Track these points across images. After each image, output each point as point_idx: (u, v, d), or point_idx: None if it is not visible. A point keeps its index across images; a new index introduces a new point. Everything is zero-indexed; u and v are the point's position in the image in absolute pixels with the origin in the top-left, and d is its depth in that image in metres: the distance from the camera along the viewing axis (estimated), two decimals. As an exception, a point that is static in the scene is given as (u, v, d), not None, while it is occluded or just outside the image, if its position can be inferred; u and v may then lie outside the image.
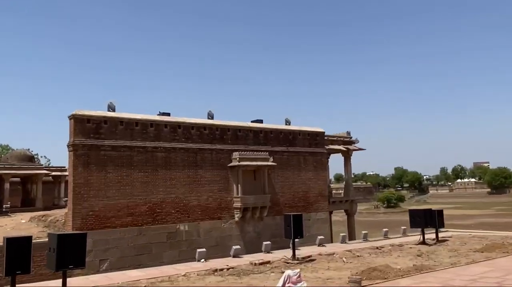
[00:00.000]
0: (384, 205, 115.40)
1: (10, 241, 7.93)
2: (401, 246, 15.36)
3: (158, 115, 24.70)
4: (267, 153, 26.67)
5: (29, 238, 8.22)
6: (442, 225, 17.09)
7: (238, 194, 25.04)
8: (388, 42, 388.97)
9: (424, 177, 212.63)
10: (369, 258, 12.87)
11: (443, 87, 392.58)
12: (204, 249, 14.34)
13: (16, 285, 8.10)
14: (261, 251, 15.83)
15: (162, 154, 23.33)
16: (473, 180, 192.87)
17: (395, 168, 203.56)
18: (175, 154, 23.78)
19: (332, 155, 33.48)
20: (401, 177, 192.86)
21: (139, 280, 10.30)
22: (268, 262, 12.54)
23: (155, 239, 22.44)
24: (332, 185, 34.07)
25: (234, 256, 14.32)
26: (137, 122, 22.85)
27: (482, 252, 13.06)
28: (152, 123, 23.35)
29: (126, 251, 21.27)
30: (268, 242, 16.23)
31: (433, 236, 16.70)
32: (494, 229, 22.24)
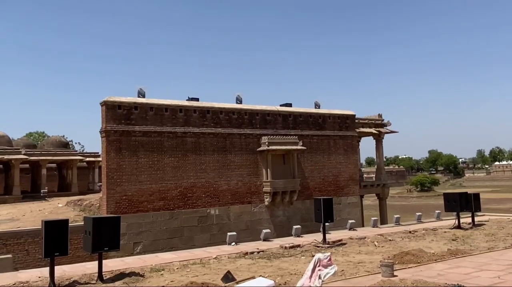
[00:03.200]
0: (418, 189, 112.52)
1: (48, 224, 8.25)
2: (435, 230, 15.06)
3: (187, 100, 24.86)
4: (296, 137, 26.52)
5: (65, 221, 8.53)
6: (479, 209, 16.56)
7: (267, 179, 25.09)
8: (416, 21, 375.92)
9: (460, 160, 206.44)
10: (402, 242, 12.69)
11: (479, 65, 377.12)
12: (234, 233, 14.51)
13: (55, 267, 8.45)
14: (291, 235, 15.82)
15: (192, 139, 23.57)
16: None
17: (429, 151, 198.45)
18: (205, 139, 23.98)
19: (363, 138, 32.99)
20: (435, 160, 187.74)
21: (172, 262, 10.53)
22: (298, 245, 12.56)
23: (187, 223, 22.85)
24: (363, 168, 33.66)
25: (264, 240, 14.39)
26: (166, 107, 23.10)
27: (521, 236, 12.66)
28: (181, 108, 23.56)
29: (158, 234, 21.79)
30: (298, 226, 16.25)
31: (469, 220, 16.26)
32: (534, 214, 21.41)
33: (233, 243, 13.47)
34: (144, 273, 9.15)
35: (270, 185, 24.95)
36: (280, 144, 25.51)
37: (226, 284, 7.53)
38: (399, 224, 18.78)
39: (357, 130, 30.50)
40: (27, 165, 39.35)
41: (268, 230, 15.40)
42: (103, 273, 8.70)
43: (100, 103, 21.72)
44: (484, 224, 16.01)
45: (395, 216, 20.04)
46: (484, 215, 19.34)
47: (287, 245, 12.57)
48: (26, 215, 24.10)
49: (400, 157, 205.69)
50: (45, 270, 9.05)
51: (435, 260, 9.67)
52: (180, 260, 10.75)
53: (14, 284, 8.57)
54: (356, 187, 29.51)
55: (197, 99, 25.28)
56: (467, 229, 14.96)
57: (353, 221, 18.44)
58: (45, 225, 8.18)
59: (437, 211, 20.29)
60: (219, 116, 24.68)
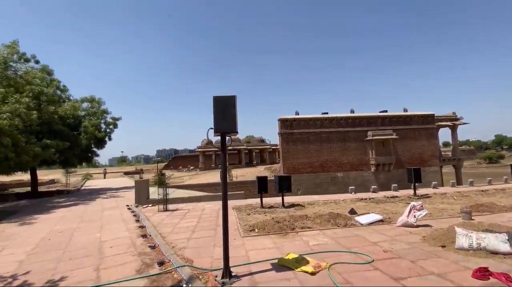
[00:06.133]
0: (486, 162, 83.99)
1: (259, 177, 9.06)
2: (504, 190, 11.16)
3: (321, 114, 24.20)
4: (391, 130, 23.10)
5: (266, 177, 9.21)
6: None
7: (372, 156, 22.57)
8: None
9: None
10: (476, 197, 9.81)
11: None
12: (353, 187, 13.47)
13: (263, 198, 9.24)
14: (390, 190, 13.87)
15: (325, 135, 22.85)
16: None
17: (495, 135, 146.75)
18: (332, 134, 22.97)
19: (441, 129, 26.71)
20: (500, 141, 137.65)
21: (318, 200, 10.39)
22: (396, 196, 10.93)
23: (324, 180, 22.32)
24: (441, 148, 27.29)
25: (372, 192, 12.99)
26: (310, 119, 22.94)
27: None
28: (318, 119, 23.07)
29: (308, 185, 21.87)
30: (395, 184, 14.12)
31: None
32: None
33: (353, 193, 12.53)
34: (304, 205, 9.27)
35: (374, 160, 22.37)
36: (380, 135, 22.60)
37: (351, 215, 7.06)
38: (472, 185, 14.50)
39: (436, 124, 24.87)
40: (246, 151, 44.17)
41: (375, 186, 13.81)
42: (284, 203, 9.14)
43: (278, 119, 22.89)
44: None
45: (469, 179, 15.49)
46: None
47: (388, 195, 11.08)
48: (247, 174, 27.07)
49: (470, 140, 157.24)
50: (258, 200, 9.86)
51: (505, 210, 7.17)
52: (322, 199, 10.52)
53: (246, 205, 9.63)
54: (437, 161, 24.09)
55: (327, 113, 24.35)
56: (538, 191, 10.64)
57: (435, 182, 15.02)
58: (257, 178, 9.05)
59: (504, 177, 14.89)
60: (340, 121, 23.28)
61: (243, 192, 11.72)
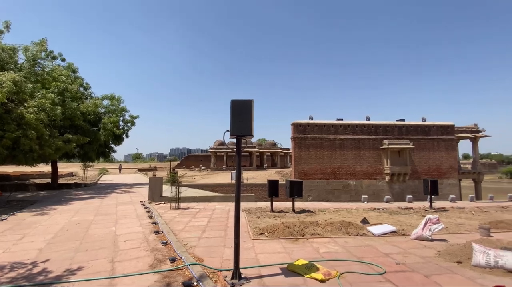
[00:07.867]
0: (508, 177, 78.73)
1: (270, 181, 9.06)
2: (530, 209, 10.58)
3: (336, 120, 23.94)
4: (408, 140, 22.50)
5: (277, 181, 9.20)
6: None
7: (387, 165, 22.04)
8: None
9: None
10: (496, 214, 9.35)
11: None
12: (366, 196, 13.19)
13: (273, 202, 9.25)
14: (405, 201, 13.49)
15: (339, 141, 22.55)
16: None
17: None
18: (346, 141, 22.64)
19: (462, 140, 25.70)
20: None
21: (329, 207, 10.25)
22: (411, 208, 10.62)
23: (336, 188, 21.99)
24: (460, 161, 26.31)
25: (386, 202, 12.67)
26: (324, 124, 22.73)
27: None
28: (332, 124, 22.83)
29: (320, 192, 21.61)
30: (410, 196, 13.71)
31: None
32: None
33: (366, 202, 12.26)
34: (314, 211, 9.19)
35: (389, 169, 21.84)
36: (396, 144, 22.06)
37: (364, 225, 6.96)
38: (492, 201, 13.84)
39: (456, 135, 23.99)
40: (257, 154, 44.20)
41: (389, 196, 13.45)
42: (294, 208, 9.10)
43: (290, 124, 22.84)
44: None
45: (489, 195, 14.77)
46: None
47: (403, 207, 10.77)
48: (258, 177, 27.09)
49: (492, 153, 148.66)
50: (268, 203, 9.87)
51: (531, 230, 6.81)
52: (333, 207, 10.37)
53: (256, 208, 9.66)
54: (455, 173, 23.21)
55: (341, 119, 24.08)
56: None
57: (453, 196, 14.45)
58: (268, 182, 9.07)
59: (532, 195, 14.05)
60: (355, 128, 22.92)
61: (253, 195, 11.75)
